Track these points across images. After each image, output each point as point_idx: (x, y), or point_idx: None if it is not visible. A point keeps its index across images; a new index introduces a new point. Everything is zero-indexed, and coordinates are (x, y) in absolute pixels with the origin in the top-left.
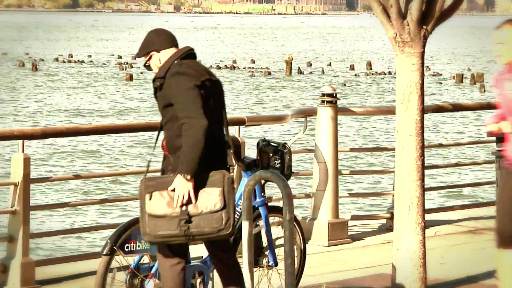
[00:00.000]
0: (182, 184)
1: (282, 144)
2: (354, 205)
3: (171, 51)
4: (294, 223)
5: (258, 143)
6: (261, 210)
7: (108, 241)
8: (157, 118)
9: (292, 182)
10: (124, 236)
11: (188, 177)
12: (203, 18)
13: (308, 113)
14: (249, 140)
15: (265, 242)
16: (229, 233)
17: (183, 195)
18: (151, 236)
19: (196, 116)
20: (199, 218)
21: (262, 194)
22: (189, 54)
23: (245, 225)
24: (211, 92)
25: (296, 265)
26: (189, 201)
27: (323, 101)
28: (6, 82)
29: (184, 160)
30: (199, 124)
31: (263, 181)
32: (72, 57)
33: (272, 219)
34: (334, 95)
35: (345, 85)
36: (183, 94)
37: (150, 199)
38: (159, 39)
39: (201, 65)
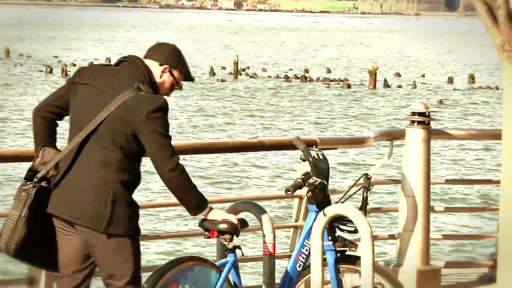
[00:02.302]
0: None
1: (364, 175)
2: (449, 250)
3: None
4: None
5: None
6: (328, 255)
7: (145, 285)
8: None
9: (373, 220)
10: (164, 280)
11: None
12: (269, 17)
13: (394, 136)
14: None
15: None
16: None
17: None
18: None
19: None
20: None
21: (330, 237)
22: (122, 61)
23: (315, 271)
24: (72, 94)
25: None
26: None
27: (413, 121)
28: (32, 90)
29: None
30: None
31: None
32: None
33: None
34: (426, 114)
35: (441, 102)
36: None
37: None
38: None
39: (93, 68)
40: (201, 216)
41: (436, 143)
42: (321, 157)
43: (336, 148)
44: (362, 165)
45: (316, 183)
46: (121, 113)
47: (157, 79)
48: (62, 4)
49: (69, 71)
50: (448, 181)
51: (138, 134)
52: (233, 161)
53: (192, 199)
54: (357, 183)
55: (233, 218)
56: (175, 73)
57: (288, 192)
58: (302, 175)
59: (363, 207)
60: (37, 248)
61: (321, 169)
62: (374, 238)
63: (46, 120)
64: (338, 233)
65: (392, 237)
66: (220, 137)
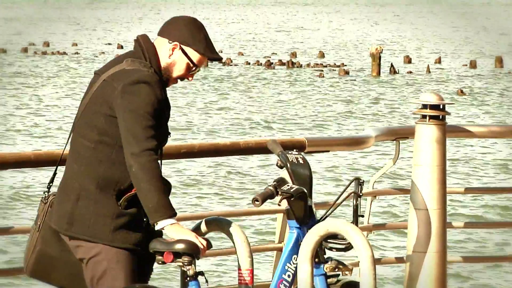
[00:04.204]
0: None
1: (355, 179)
2: (472, 277)
3: None
4: None
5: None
6: (318, 282)
7: None
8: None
9: (376, 239)
10: None
11: None
12: None
13: (401, 134)
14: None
15: None
16: None
17: None
18: None
19: None
20: None
21: (317, 259)
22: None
23: None
24: None
25: None
26: None
27: (424, 116)
28: None
29: None
30: None
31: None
32: (48, 46)
33: None
34: (441, 107)
35: (462, 91)
36: None
37: None
38: None
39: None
40: (159, 226)
41: (453, 142)
42: (301, 161)
43: (328, 151)
44: (361, 171)
45: (292, 190)
46: (100, 91)
47: (166, 60)
48: None
49: None
50: (468, 190)
51: (116, 112)
52: (201, 168)
53: (151, 199)
54: (348, 190)
55: (193, 237)
56: (189, 50)
57: (256, 203)
58: (274, 181)
59: (354, 219)
60: (58, 268)
61: (301, 175)
62: (377, 261)
63: None
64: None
65: (400, 260)
66: (185, 139)
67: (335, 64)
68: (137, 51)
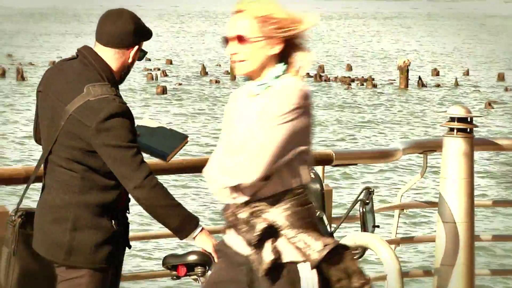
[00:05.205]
0: None
1: (365, 188)
2: None
3: None
4: None
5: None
6: None
7: None
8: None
9: (404, 253)
10: None
11: None
12: None
13: (429, 147)
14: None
15: None
16: None
17: None
18: None
19: None
20: None
21: None
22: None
23: None
24: (37, 104)
25: None
26: None
27: (451, 129)
28: None
29: None
30: None
31: None
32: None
33: None
34: (468, 119)
35: (490, 104)
36: None
37: None
38: None
39: (50, 70)
40: (189, 239)
41: (481, 155)
42: (312, 176)
43: (356, 164)
44: (389, 184)
45: None
46: (71, 127)
47: (126, 64)
48: None
49: (25, 71)
50: (496, 203)
51: (95, 149)
52: None
53: (173, 221)
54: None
55: (209, 246)
56: (142, 43)
57: None
58: None
59: (362, 226)
60: (43, 285)
61: (311, 189)
62: (405, 275)
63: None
64: None
65: (427, 273)
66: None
67: (362, 77)
68: (90, 71)
